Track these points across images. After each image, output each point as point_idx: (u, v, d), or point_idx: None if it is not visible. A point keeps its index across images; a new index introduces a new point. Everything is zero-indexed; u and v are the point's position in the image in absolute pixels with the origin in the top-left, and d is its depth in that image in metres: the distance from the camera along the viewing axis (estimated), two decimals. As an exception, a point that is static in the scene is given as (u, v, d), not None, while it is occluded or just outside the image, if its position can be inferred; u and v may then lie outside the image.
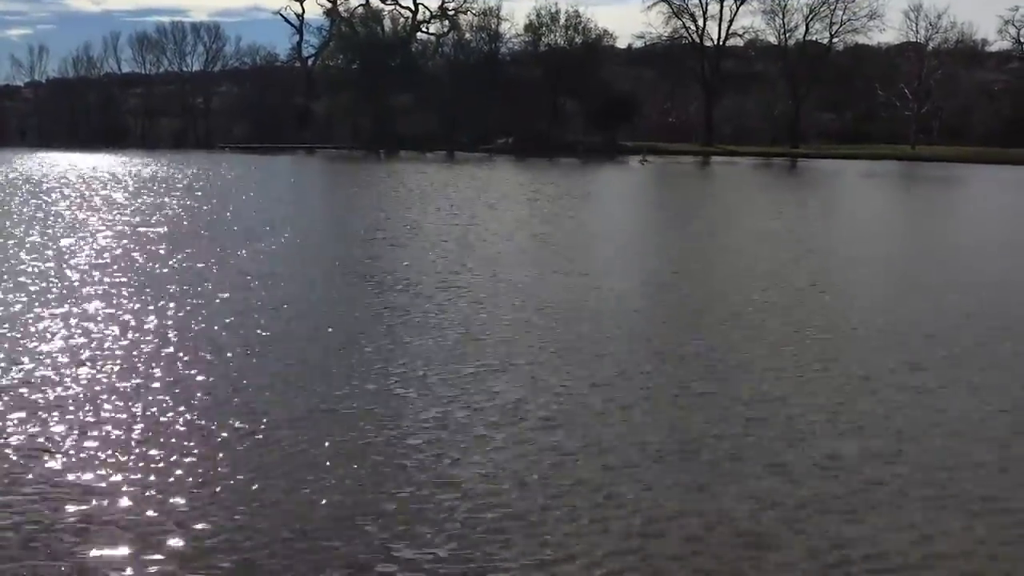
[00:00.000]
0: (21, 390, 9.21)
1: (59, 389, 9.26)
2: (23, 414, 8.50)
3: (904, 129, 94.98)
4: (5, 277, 15.99)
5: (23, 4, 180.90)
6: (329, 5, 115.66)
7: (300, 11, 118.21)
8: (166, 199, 33.97)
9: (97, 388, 9.33)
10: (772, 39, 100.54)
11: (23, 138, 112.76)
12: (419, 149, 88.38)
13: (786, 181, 55.28)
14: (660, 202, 40.00)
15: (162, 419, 8.45)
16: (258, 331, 12.02)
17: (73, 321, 12.43)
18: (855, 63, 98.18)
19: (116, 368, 10.11)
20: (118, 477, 7.12)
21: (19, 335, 11.55)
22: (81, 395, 9.10)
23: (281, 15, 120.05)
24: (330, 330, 12.19)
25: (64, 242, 20.89)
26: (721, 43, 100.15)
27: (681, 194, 44.26)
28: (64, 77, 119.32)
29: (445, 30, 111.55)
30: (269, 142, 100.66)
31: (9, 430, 8.09)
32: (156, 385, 9.50)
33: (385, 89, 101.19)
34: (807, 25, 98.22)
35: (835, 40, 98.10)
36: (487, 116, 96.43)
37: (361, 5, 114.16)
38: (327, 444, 7.87)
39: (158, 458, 7.51)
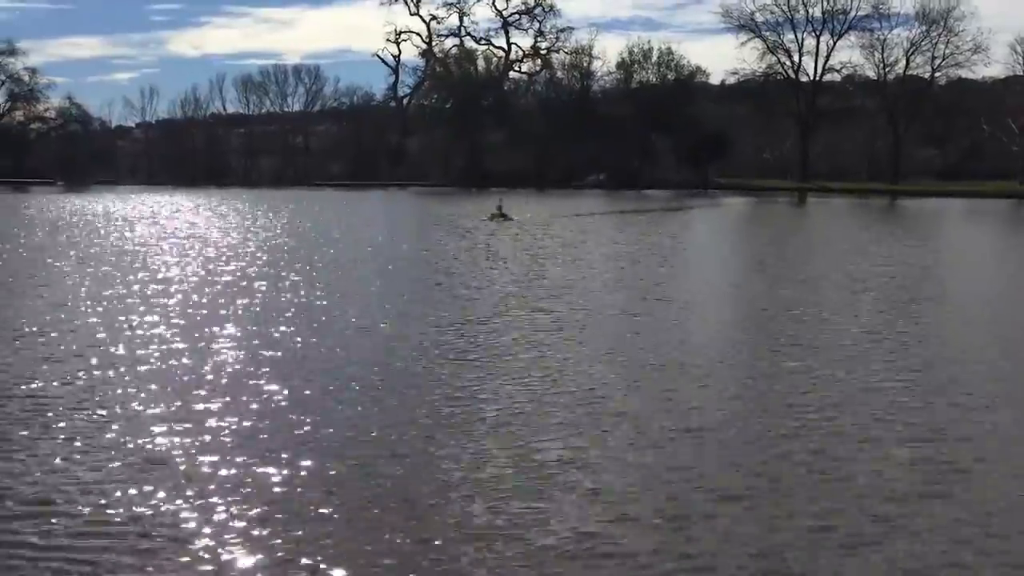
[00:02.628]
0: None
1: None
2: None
3: (1011, 165, 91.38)
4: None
5: (129, 48, 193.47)
6: (424, 46, 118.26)
7: (396, 52, 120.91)
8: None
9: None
10: (871, 74, 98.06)
11: (133, 177, 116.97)
12: (509, 186, 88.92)
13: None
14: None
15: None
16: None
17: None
18: (958, 97, 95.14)
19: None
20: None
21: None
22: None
23: (379, 56, 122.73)
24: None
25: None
26: (817, 79, 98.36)
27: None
28: (172, 118, 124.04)
29: (537, 69, 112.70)
30: (364, 179, 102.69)
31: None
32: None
33: (478, 127, 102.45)
34: (907, 59, 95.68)
35: (937, 74, 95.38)
36: (578, 153, 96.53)
37: (455, 46, 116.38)
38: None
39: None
